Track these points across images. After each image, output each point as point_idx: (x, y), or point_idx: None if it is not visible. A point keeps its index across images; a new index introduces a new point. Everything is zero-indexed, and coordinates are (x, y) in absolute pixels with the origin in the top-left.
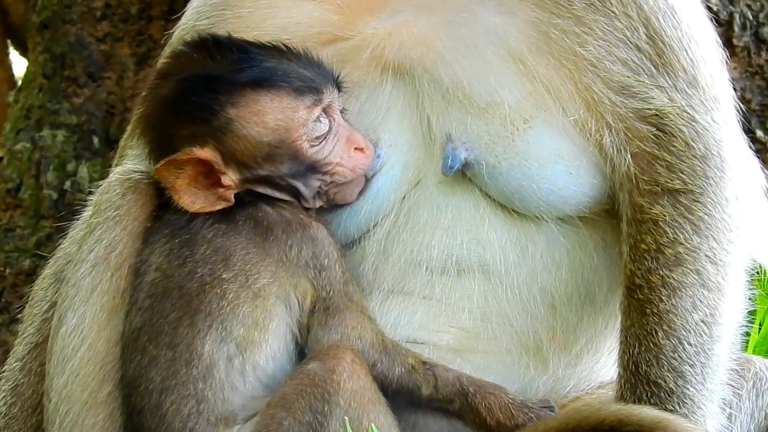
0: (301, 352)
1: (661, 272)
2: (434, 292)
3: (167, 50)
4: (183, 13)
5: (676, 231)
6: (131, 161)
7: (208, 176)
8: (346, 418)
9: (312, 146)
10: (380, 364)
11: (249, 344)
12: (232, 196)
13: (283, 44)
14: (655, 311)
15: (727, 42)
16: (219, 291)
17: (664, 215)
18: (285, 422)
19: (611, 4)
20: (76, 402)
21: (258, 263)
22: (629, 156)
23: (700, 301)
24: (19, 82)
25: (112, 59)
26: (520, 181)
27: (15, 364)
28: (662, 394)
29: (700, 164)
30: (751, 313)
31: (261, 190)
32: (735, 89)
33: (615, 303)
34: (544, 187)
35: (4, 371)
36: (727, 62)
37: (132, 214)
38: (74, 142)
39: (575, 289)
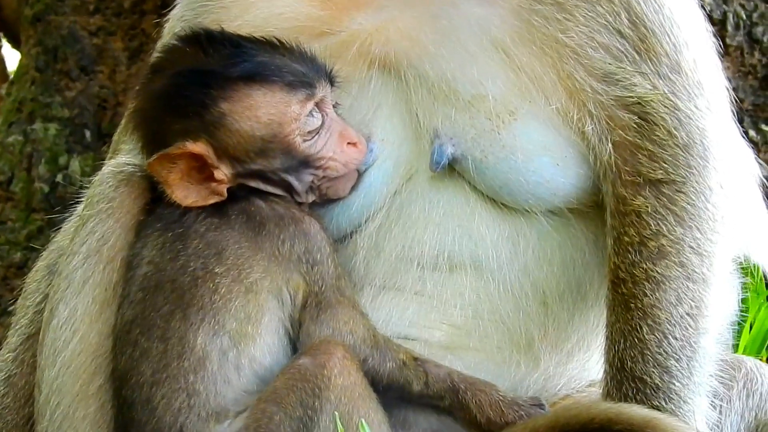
0: (296, 346)
1: (644, 265)
2: (426, 288)
3: (160, 44)
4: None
5: (659, 222)
6: (125, 156)
7: (201, 171)
8: (337, 414)
9: (305, 141)
10: (371, 359)
11: (242, 338)
12: (225, 190)
13: (276, 39)
14: (640, 306)
15: (721, 41)
16: (211, 285)
17: (647, 206)
18: (276, 417)
19: None
20: (67, 394)
21: (250, 258)
22: (611, 145)
23: (685, 293)
24: (12, 76)
25: (104, 53)
26: (507, 174)
27: (8, 355)
28: (648, 391)
29: (682, 153)
30: (743, 311)
31: (254, 184)
32: (727, 89)
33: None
34: (532, 180)
35: None
36: (720, 61)
37: (125, 206)
38: (66, 135)
39: (567, 285)
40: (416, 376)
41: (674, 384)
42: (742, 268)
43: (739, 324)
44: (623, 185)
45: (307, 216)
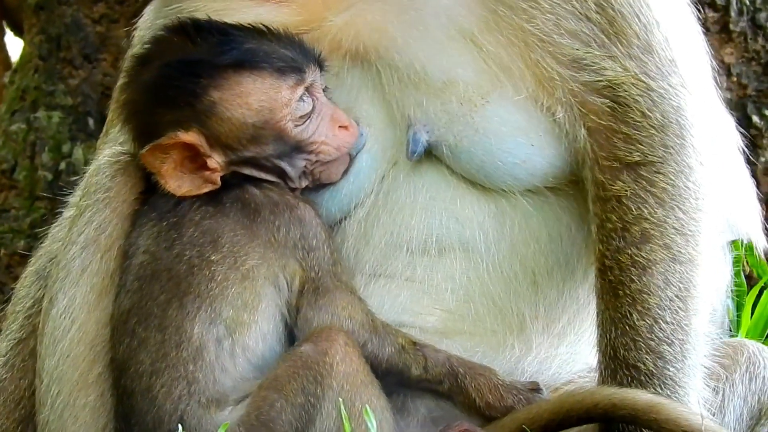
0: (291, 333)
1: (629, 251)
2: (416, 274)
3: (130, 52)
4: None
5: (640, 206)
6: (118, 142)
7: (194, 160)
8: (340, 400)
9: (296, 126)
10: (370, 344)
11: (238, 326)
12: (219, 178)
13: (263, 25)
14: (628, 292)
15: (724, 27)
16: (207, 273)
17: (626, 190)
18: (277, 404)
19: None
20: (67, 383)
21: (246, 245)
22: (585, 130)
23: (672, 276)
24: (15, 64)
25: (107, 41)
26: (481, 157)
27: None
28: (642, 378)
29: (658, 134)
30: (740, 288)
31: (247, 171)
32: (731, 74)
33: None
34: (508, 161)
35: None
36: (723, 47)
37: (121, 195)
38: (69, 123)
39: (555, 261)
40: (415, 360)
41: (668, 369)
42: (732, 242)
43: (739, 306)
44: (601, 171)
45: (302, 202)
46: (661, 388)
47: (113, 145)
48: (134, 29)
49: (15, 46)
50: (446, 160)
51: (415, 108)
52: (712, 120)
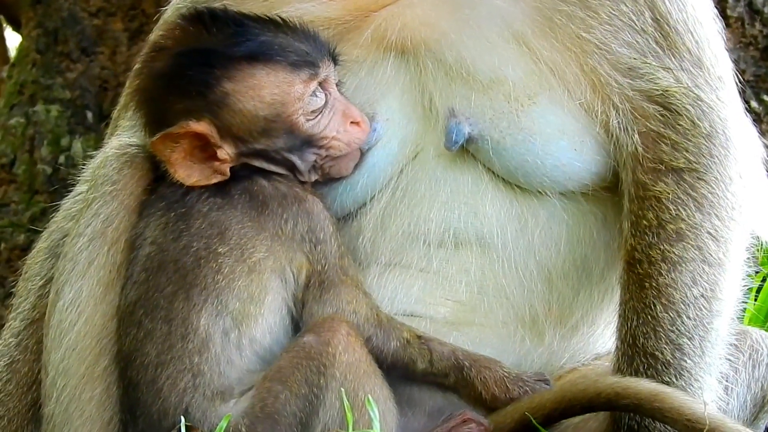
0: (297, 326)
1: (661, 246)
2: (431, 266)
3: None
4: None
5: (679, 207)
6: (125, 132)
7: (204, 150)
8: (343, 390)
9: (308, 120)
10: (375, 339)
11: (245, 318)
12: (228, 169)
13: (279, 18)
14: (654, 285)
15: (722, 13)
16: (214, 265)
17: (668, 192)
18: (281, 395)
19: None
20: (73, 376)
21: (253, 237)
22: (636, 135)
23: (701, 276)
24: (13, 58)
25: (105, 34)
26: (524, 156)
27: (11, 340)
28: (659, 366)
29: (705, 143)
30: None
31: (257, 163)
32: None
33: (612, 277)
34: (548, 163)
35: None
36: (721, 33)
37: (129, 188)
38: (68, 117)
39: (572, 264)
40: (420, 354)
41: (686, 361)
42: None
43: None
44: (644, 172)
45: (310, 195)
46: (677, 378)
47: (121, 135)
48: (132, 22)
49: (13, 41)
50: (486, 155)
51: (461, 101)
52: (746, 135)
